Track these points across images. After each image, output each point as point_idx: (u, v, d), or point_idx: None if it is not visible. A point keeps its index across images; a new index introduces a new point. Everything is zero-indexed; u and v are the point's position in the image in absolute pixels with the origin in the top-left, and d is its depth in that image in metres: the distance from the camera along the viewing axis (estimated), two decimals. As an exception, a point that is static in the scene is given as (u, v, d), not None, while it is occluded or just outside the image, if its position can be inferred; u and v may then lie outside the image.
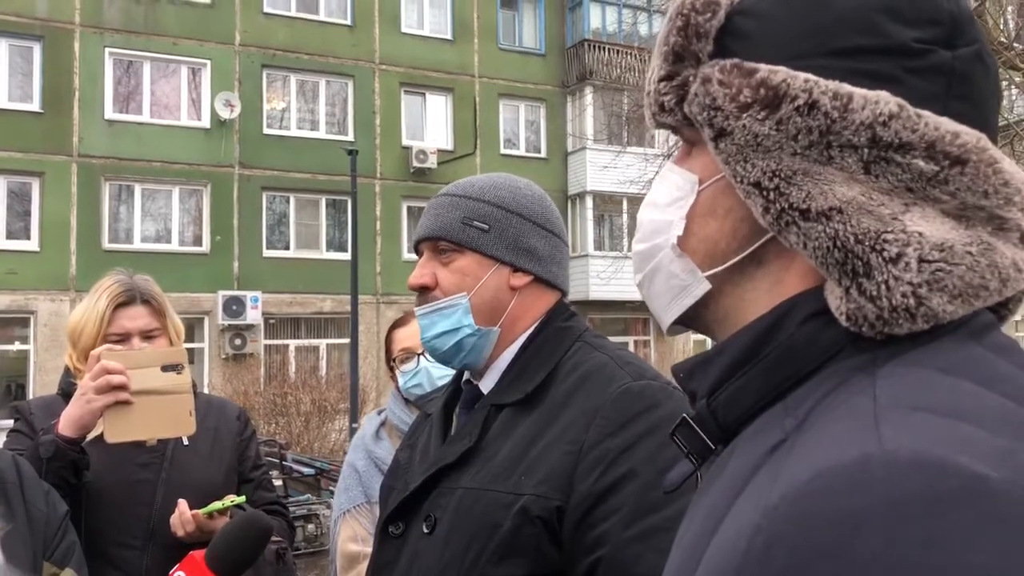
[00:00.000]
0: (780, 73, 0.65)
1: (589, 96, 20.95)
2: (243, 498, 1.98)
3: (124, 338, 2.04)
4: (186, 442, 2.06)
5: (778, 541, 0.50)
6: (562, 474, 1.19)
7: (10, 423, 2.14)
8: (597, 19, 21.81)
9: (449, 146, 20.58)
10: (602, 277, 19.46)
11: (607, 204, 20.93)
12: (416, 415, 2.48)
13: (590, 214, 21.01)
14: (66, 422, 1.83)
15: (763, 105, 0.65)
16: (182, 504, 1.91)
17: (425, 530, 1.28)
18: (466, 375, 1.46)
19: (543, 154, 21.61)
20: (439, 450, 1.37)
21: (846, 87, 0.63)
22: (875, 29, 0.65)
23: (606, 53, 21.37)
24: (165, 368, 1.91)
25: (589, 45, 21.46)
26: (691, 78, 0.70)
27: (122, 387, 1.84)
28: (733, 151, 0.67)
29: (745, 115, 0.66)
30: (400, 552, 1.32)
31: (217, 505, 1.93)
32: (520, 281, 1.39)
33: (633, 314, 21.02)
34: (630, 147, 17.85)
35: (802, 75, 0.65)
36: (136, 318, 2.06)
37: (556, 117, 21.83)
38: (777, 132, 0.64)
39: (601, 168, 19.45)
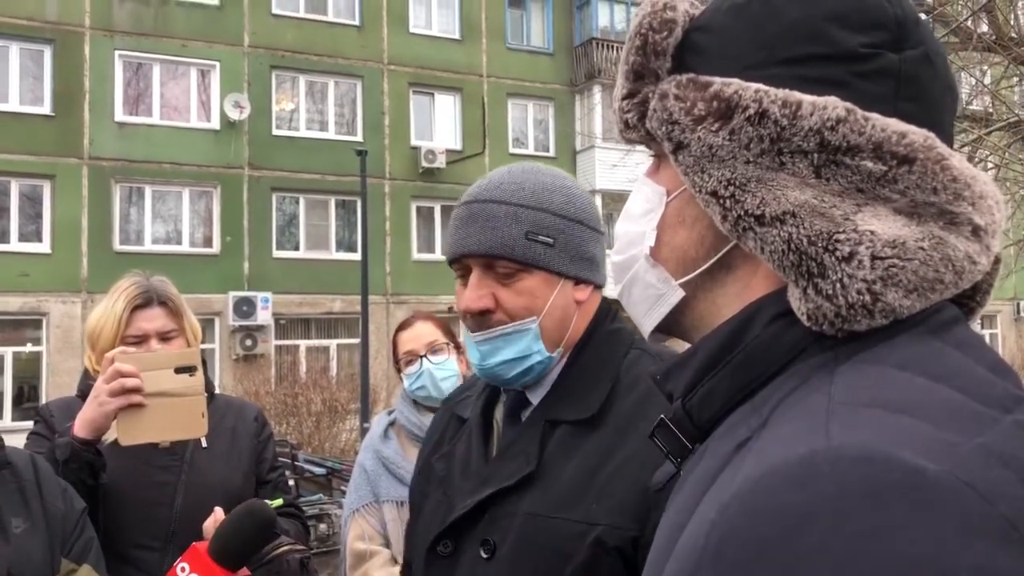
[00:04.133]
0: (733, 85, 0.67)
1: (598, 95, 20.88)
2: (279, 501, 1.97)
3: (142, 339, 2.04)
4: (205, 444, 2.07)
5: (729, 536, 0.52)
6: (636, 502, 1.11)
7: (24, 424, 2.15)
8: (605, 17, 21.78)
9: (458, 146, 20.59)
10: (610, 276, 19.36)
11: (616, 203, 20.85)
12: (423, 415, 2.49)
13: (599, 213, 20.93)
14: (81, 424, 1.85)
15: (717, 117, 0.67)
16: (218, 512, 1.91)
17: (483, 555, 1.20)
18: None
19: (552, 153, 21.56)
20: (489, 467, 1.27)
21: (796, 95, 0.65)
22: (823, 37, 0.66)
23: (614, 51, 21.30)
24: (178, 370, 1.91)
25: (597, 44, 21.43)
26: (651, 95, 0.73)
27: (135, 390, 1.85)
28: (691, 162, 0.69)
29: (700, 127, 0.68)
30: (452, 574, 1.24)
31: None
32: (583, 294, 1.29)
33: (643, 313, 20.96)
34: (639, 146, 17.76)
35: (753, 85, 0.66)
36: (153, 319, 2.06)
37: (565, 116, 21.81)
38: (730, 142, 0.66)
39: (610, 167, 19.34)
